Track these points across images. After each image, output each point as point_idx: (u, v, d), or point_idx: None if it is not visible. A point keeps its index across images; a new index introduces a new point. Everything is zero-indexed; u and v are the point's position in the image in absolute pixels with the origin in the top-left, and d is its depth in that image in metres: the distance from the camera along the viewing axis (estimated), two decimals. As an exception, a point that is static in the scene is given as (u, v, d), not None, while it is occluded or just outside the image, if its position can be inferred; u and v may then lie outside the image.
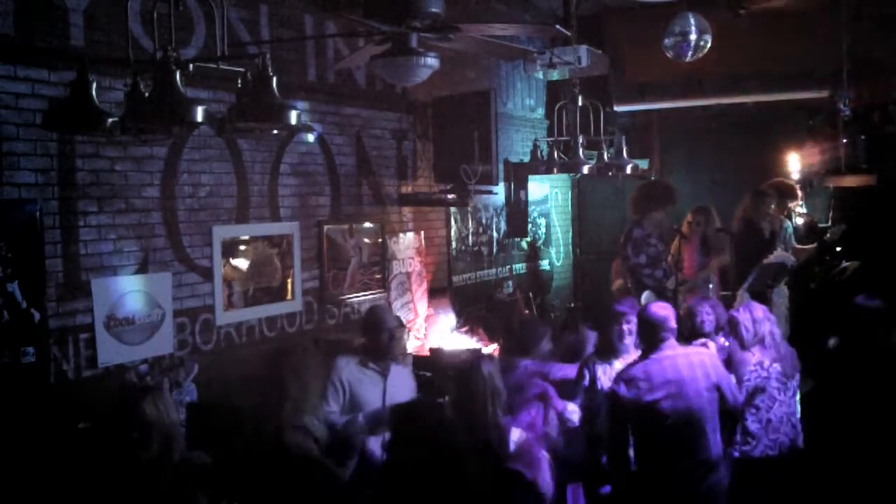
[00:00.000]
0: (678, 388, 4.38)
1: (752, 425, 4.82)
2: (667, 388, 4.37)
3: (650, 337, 4.54)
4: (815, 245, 7.76)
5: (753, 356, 4.91)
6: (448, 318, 6.99)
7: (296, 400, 4.13)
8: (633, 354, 4.84)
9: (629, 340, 4.94)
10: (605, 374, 4.85)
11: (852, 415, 4.72)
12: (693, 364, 4.47)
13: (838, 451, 4.78)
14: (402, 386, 4.86)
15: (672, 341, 4.53)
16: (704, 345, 4.83)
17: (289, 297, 5.57)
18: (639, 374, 4.42)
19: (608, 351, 4.99)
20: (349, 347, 5.13)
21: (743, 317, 5.01)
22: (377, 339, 4.81)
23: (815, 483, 4.94)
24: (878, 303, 4.95)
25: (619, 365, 4.81)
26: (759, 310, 5.11)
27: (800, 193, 8.34)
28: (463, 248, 7.51)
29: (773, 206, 7.63)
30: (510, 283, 8.06)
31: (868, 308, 4.96)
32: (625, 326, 4.92)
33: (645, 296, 7.10)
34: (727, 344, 5.06)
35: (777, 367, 4.90)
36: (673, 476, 4.37)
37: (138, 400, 3.48)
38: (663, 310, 4.59)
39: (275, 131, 3.81)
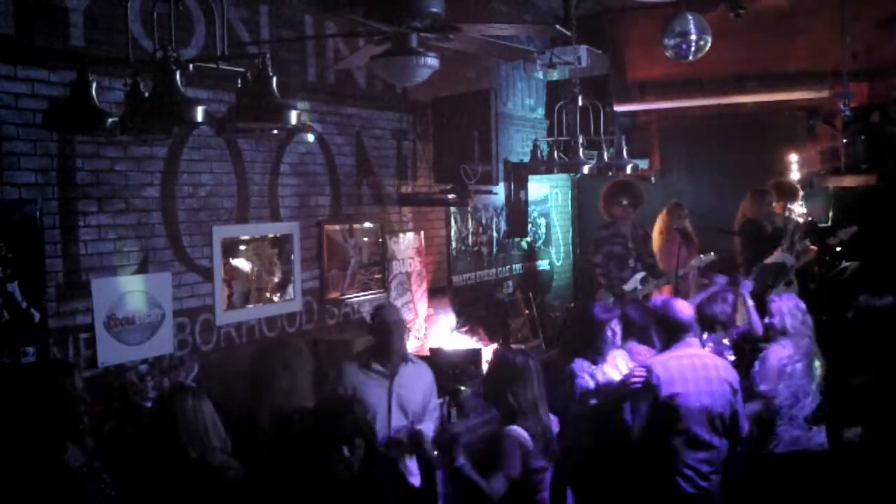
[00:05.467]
0: (694, 387, 4.35)
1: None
2: (683, 386, 4.34)
3: (671, 335, 4.55)
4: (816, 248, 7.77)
5: (784, 350, 4.91)
6: (448, 318, 6.99)
7: (285, 393, 4.06)
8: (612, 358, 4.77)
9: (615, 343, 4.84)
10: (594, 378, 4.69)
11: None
12: (709, 366, 4.44)
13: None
14: (412, 388, 4.68)
15: (691, 340, 4.52)
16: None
17: (289, 297, 5.57)
18: (659, 369, 4.39)
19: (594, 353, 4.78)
20: (351, 350, 5.08)
21: (776, 306, 5.03)
22: (379, 336, 4.73)
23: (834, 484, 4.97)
24: None
25: (607, 368, 4.72)
26: (792, 301, 5.13)
27: (800, 193, 8.35)
28: (463, 248, 7.51)
29: (773, 205, 7.64)
30: (510, 283, 8.06)
31: None
32: (608, 332, 4.76)
33: (601, 295, 7.12)
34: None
35: (801, 365, 4.91)
36: (679, 475, 4.35)
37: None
38: (686, 309, 4.59)
39: (275, 131, 3.81)
